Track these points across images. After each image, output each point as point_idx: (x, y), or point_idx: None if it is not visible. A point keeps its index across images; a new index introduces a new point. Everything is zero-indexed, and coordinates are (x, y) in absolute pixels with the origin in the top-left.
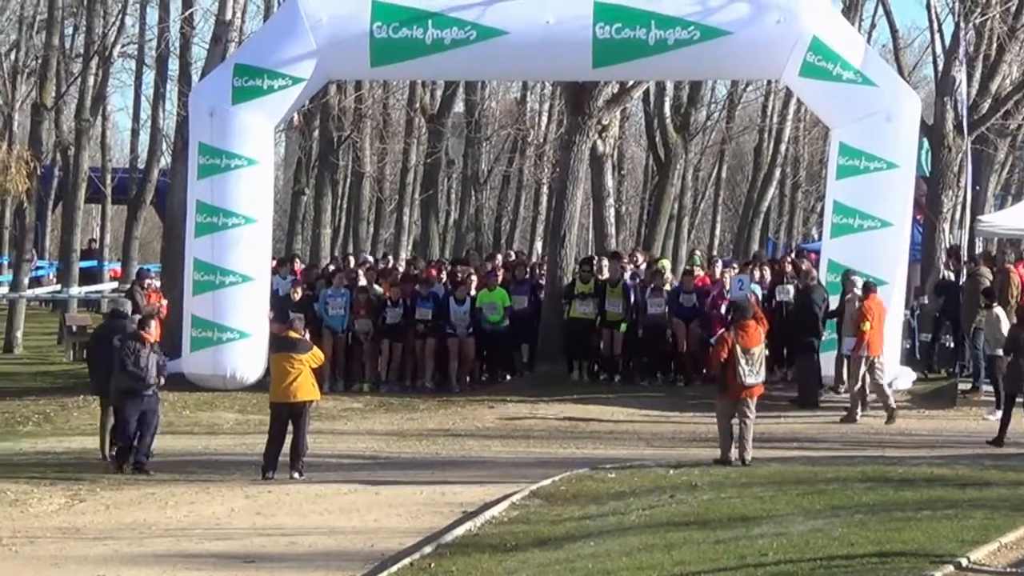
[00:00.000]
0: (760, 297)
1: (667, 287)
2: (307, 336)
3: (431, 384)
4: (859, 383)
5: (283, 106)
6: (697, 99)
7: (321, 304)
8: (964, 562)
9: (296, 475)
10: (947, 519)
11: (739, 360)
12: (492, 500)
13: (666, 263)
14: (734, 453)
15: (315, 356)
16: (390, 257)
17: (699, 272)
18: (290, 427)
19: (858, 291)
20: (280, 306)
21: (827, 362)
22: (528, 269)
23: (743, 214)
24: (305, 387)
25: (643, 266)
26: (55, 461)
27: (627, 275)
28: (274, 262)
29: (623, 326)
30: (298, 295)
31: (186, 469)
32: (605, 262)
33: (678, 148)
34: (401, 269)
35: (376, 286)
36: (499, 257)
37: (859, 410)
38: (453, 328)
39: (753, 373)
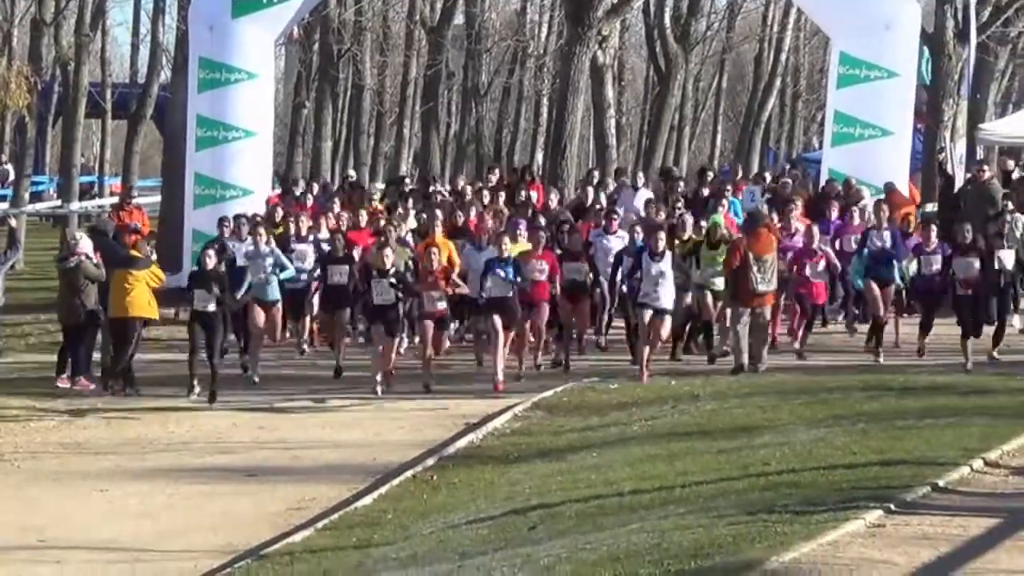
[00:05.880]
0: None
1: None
2: (153, 256)
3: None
4: None
5: (283, 19)
6: (697, 9)
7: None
8: (966, 470)
9: (120, 388)
10: (949, 427)
11: (751, 267)
12: (494, 412)
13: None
14: (746, 359)
15: (154, 274)
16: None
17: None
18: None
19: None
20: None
21: None
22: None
23: (744, 124)
24: (140, 303)
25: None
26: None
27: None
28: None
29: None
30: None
31: (187, 384)
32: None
33: (678, 59)
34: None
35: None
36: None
37: None
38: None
39: (765, 281)
